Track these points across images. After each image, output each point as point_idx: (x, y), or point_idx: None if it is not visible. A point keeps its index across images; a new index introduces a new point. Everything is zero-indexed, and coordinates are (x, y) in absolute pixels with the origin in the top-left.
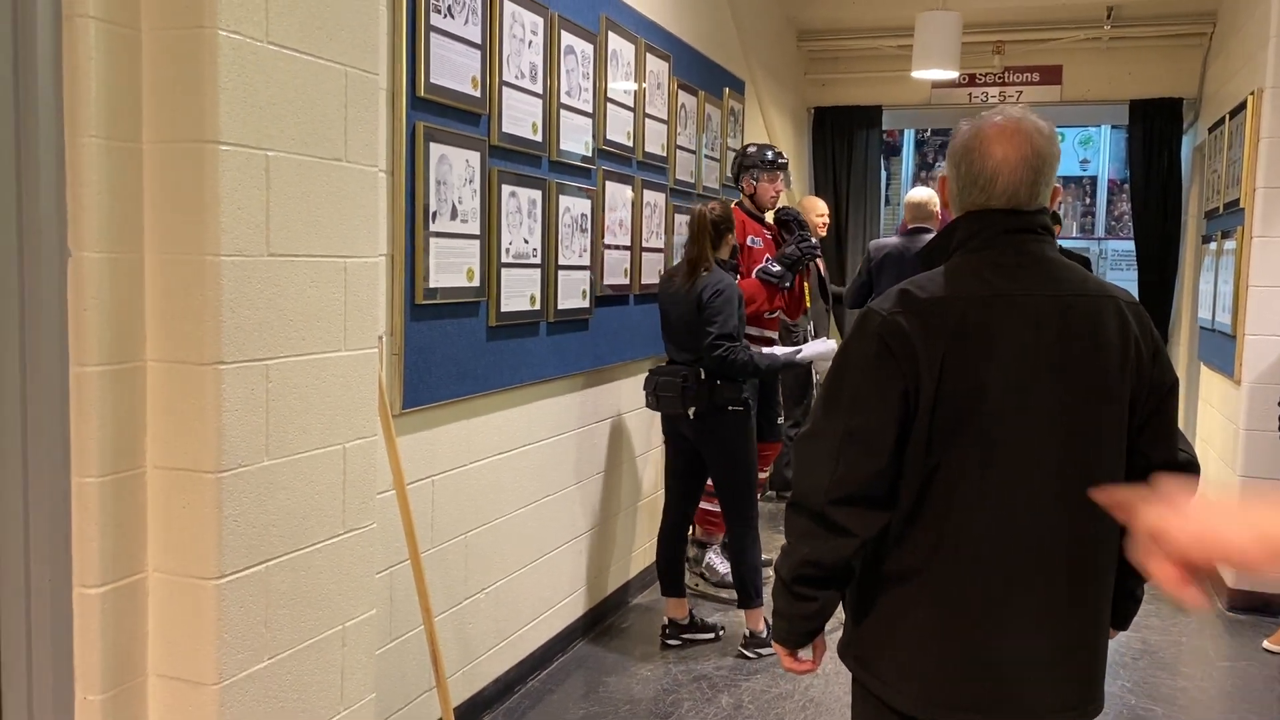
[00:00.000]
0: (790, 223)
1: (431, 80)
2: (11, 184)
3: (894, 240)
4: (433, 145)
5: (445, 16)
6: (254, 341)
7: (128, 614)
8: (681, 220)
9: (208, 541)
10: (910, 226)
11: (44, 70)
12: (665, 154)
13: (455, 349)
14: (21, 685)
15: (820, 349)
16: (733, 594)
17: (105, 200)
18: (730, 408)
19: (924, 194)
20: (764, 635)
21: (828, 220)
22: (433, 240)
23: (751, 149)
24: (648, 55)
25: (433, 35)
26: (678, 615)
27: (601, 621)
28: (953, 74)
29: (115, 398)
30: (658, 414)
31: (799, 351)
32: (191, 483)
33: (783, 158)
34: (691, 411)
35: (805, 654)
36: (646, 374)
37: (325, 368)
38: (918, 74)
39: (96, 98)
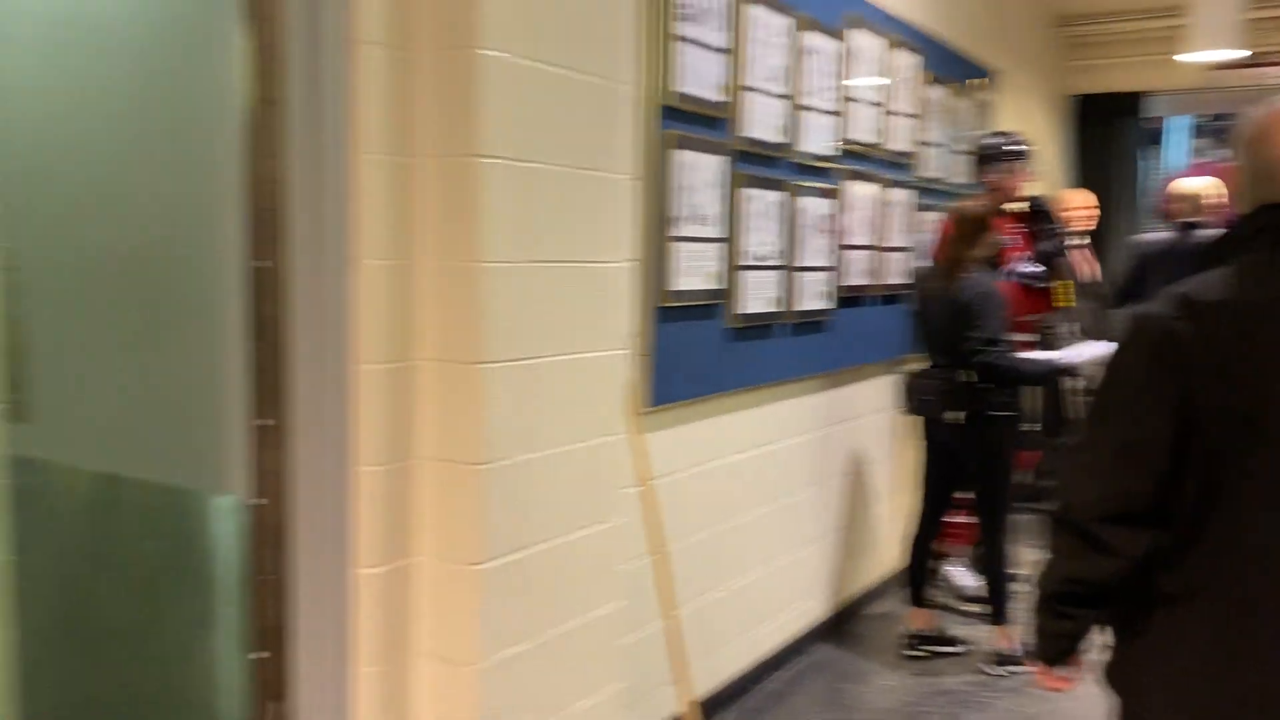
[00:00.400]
0: (1041, 213)
1: (678, 88)
2: (306, 196)
3: (1162, 236)
4: (678, 152)
5: (691, 25)
6: (515, 342)
7: (400, 595)
8: (929, 218)
9: (472, 529)
10: (1181, 221)
11: (332, 93)
12: (911, 150)
13: (697, 350)
14: (310, 658)
15: (1090, 352)
16: (972, 608)
17: (384, 212)
18: (995, 414)
19: (1197, 185)
20: (1013, 653)
21: (1094, 213)
22: (677, 244)
23: (992, 138)
24: (895, 50)
25: (679, 44)
26: (921, 626)
27: (840, 627)
28: (1234, 53)
29: (393, 394)
30: (904, 418)
31: (1069, 355)
32: (458, 474)
33: (1026, 145)
34: (953, 417)
35: (1063, 671)
36: (903, 377)
37: (579, 367)
38: (1189, 56)
39: (376, 117)
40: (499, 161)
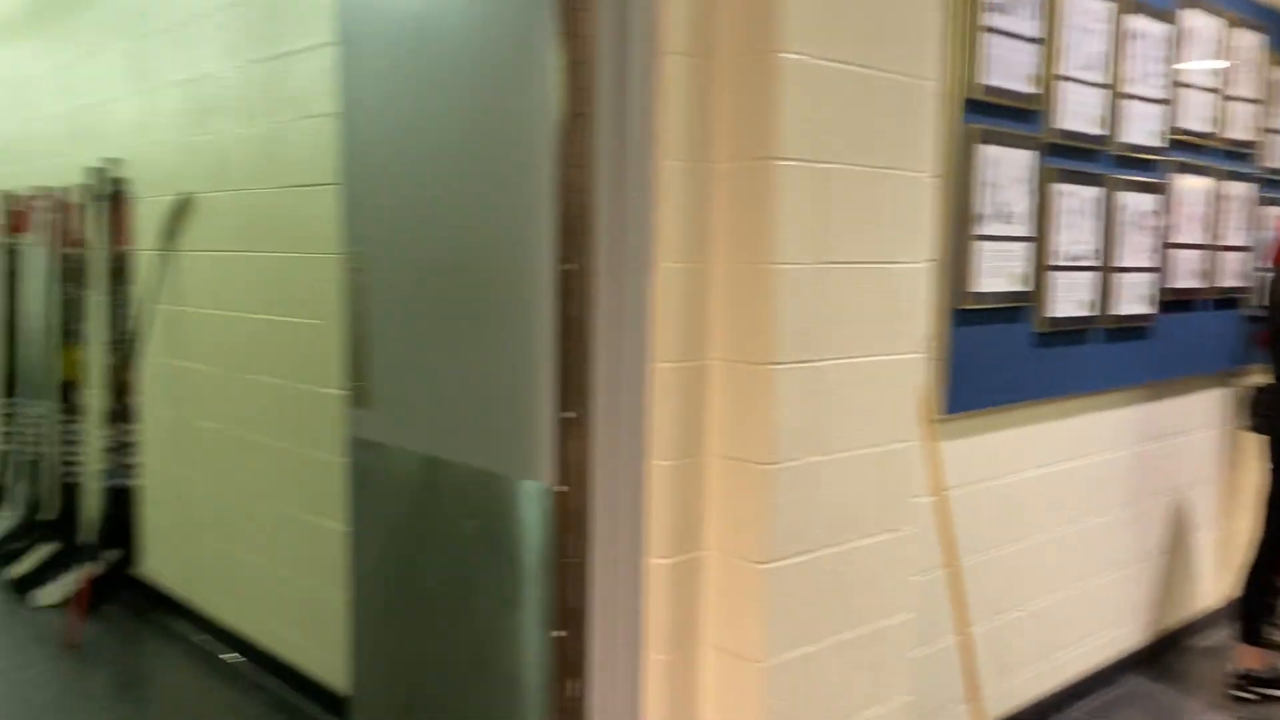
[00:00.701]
0: None
1: (984, 80)
2: (610, 202)
3: None
4: (984, 147)
5: (1000, 15)
6: (806, 343)
7: (689, 586)
8: (1276, 213)
9: (758, 528)
10: None
11: (639, 104)
12: (1253, 139)
13: (999, 356)
14: (605, 640)
15: None
16: None
17: (682, 216)
18: None
19: None
20: None
21: None
22: (980, 243)
23: None
24: (1234, 30)
25: (987, 36)
26: (1254, 665)
27: (1157, 659)
28: None
29: (685, 391)
30: (1242, 436)
31: None
32: (746, 472)
33: None
34: None
35: None
36: (1243, 390)
37: (870, 371)
38: None
39: (677, 124)
40: (794, 163)
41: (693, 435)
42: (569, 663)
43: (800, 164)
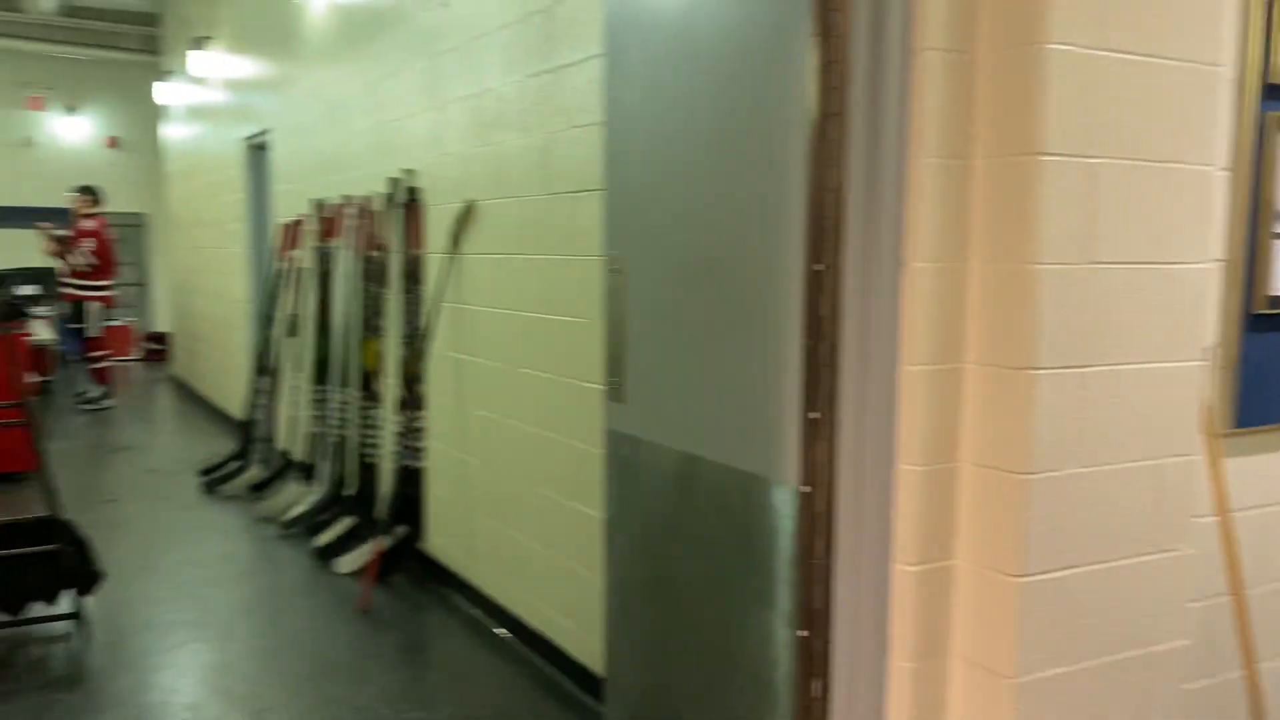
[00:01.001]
0: None
1: None
2: (861, 202)
3: None
4: None
5: None
6: (1070, 348)
7: (937, 595)
8: None
9: (1013, 540)
10: None
11: (894, 102)
12: None
13: None
14: (850, 643)
15: None
16: None
17: (937, 215)
18: None
19: None
20: None
21: None
22: (1278, 243)
23: None
24: None
25: None
26: None
27: None
28: None
29: (937, 396)
30: None
31: None
32: (1001, 481)
33: None
34: None
35: None
36: None
37: (1144, 379)
38: None
39: (933, 121)
40: (1059, 159)
41: (944, 441)
42: (813, 663)
43: (1066, 159)
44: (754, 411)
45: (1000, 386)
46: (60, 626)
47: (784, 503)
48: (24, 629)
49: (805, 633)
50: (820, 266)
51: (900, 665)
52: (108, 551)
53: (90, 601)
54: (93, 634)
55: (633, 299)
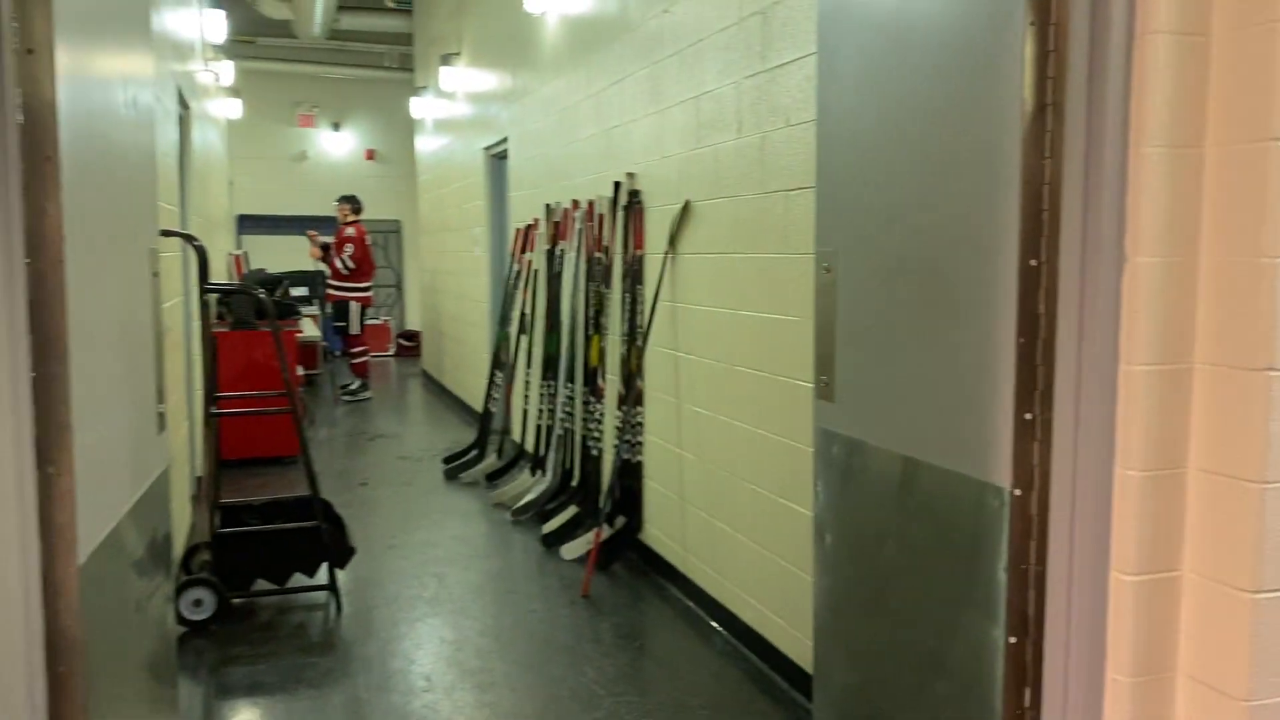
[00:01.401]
0: None
1: None
2: (1079, 194)
3: None
4: None
5: None
6: None
7: (1160, 607)
8: None
9: (1245, 552)
10: None
11: (1115, 89)
12: None
13: None
14: (1062, 652)
15: None
16: None
17: (1162, 207)
18: None
19: None
20: None
21: None
22: None
23: None
24: None
25: None
26: None
27: None
28: None
29: (1161, 397)
30: None
31: None
32: (1233, 490)
33: None
34: None
35: None
36: None
37: None
38: None
39: (1159, 108)
40: None
41: (1169, 445)
42: (1024, 671)
43: None
44: (964, 411)
45: (1233, 388)
46: (317, 597)
47: (997, 505)
48: (286, 598)
49: (1015, 640)
50: (1035, 262)
51: (1116, 679)
52: (359, 530)
53: (342, 575)
54: (344, 605)
55: (843, 297)
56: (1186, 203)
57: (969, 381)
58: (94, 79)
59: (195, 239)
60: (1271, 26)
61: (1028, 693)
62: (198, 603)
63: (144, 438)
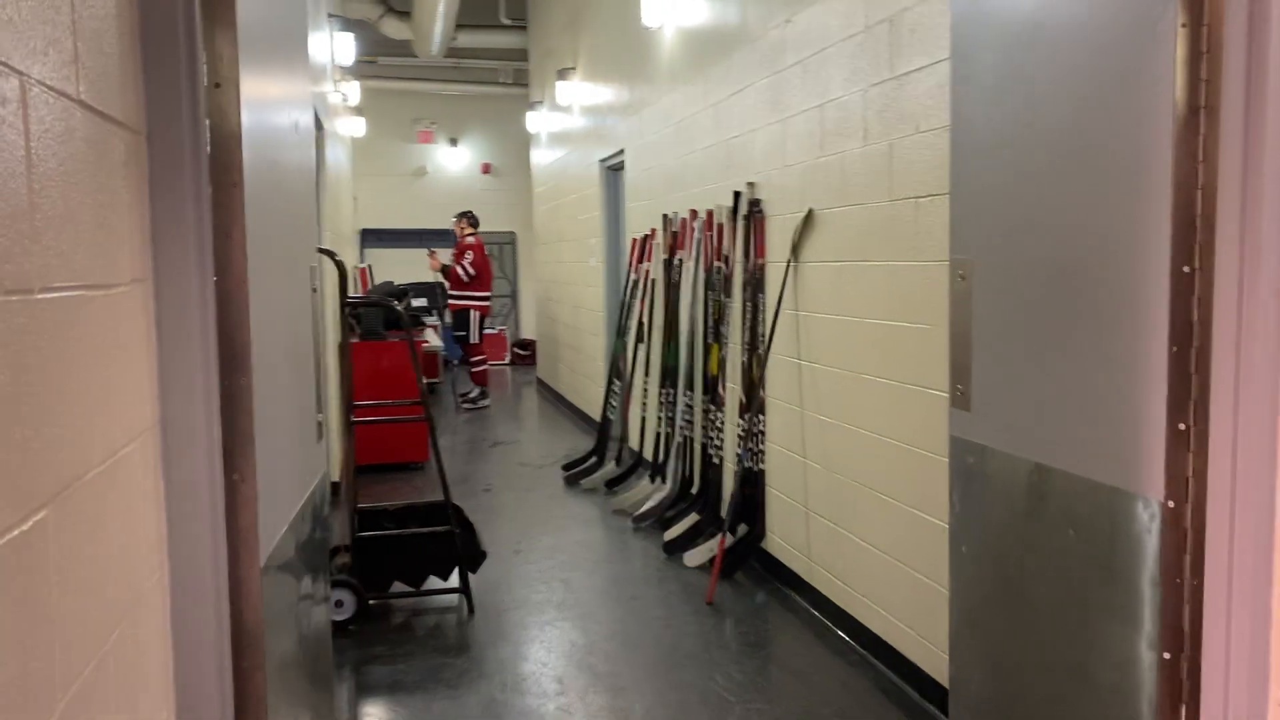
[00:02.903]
0: None
1: None
2: (1236, 199)
3: None
4: None
5: None
6: None
7: None
8: None
9: None
10: None
11: (1273, 90)
12: None
13: None
14: (1221, 670)
15: None
16: None
17: None
18: None
19: None
20: None
21: None
22: None
23: None
24: None
25: None
26: None
27: None
28: None
29: None
30: None
31: None
32: None
33: None
34: None
35: None
36: None
37: None
38: None
39: None
40: None
41: None
42: (1179, 688)
43: None
44: (1112, 421)
45: None
46: (449, 599)
47: (1146, 517)
48: (420, 600)
49: (1169, 655)
50: (1189, 268)
51: None
52: (485, 534)
53: (473, 578)
54: (475, 607)
55: (979, 304)
56: None
57: (1116, 390)
58: (268, 106)
59: (335, 254)
60: None
61: (1184, 710)
62: (339, 604)
63: (307, 445)
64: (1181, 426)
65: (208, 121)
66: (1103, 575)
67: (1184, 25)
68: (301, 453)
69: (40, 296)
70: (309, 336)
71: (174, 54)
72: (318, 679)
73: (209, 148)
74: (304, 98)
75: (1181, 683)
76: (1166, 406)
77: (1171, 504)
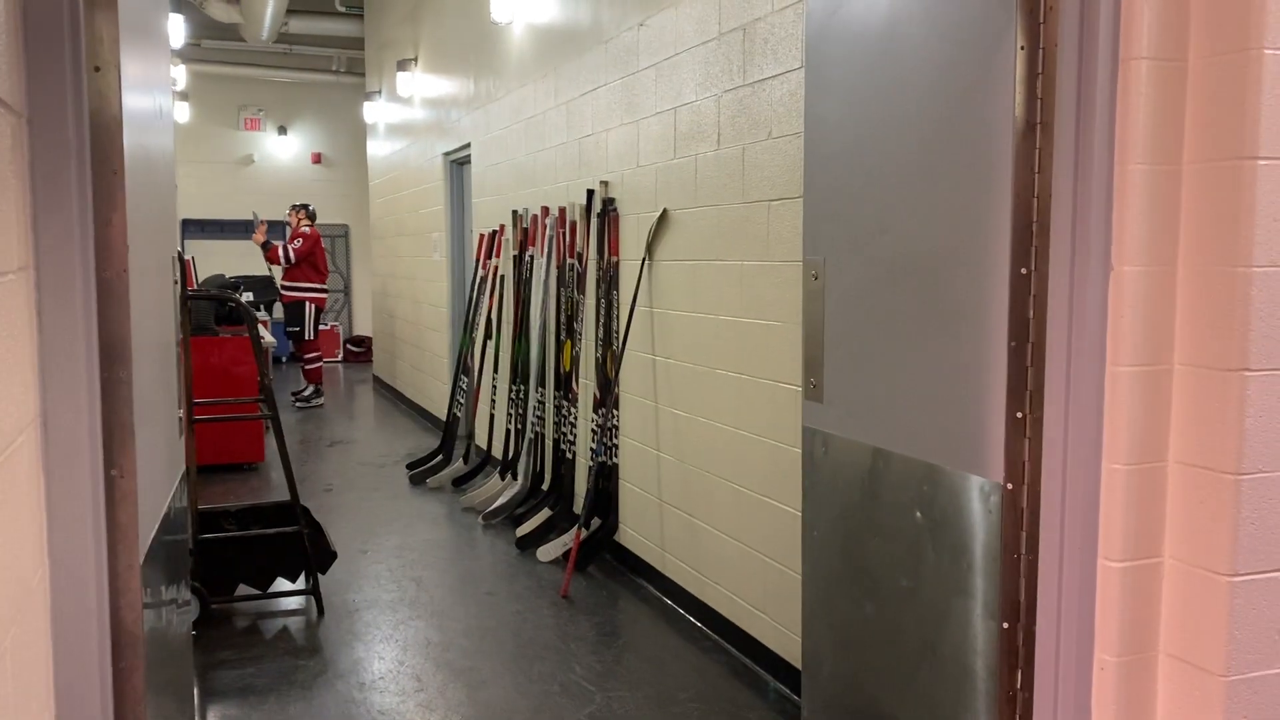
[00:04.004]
0: None
1: None
2: (1068, 207)
3: None
4: None
5: None
6: None
7: (1143, 591)
8: None
9: (1222, 539)
10: None
11: (1100, 108)
12: None
13: None
14: (1053, 636)
15: None
16: None
17: (1146, 219)
18: None
19: None
20: None
21: None
22: None
23: None
24: None
25: None
26: None
27: None
28: None
29: (1144, 396)
30: None
31: None
32: (1209, 481)
33: None
34: None
35: None
36: None
37: None
38: None
39: (1142, 128)
40: (1271, 163)
41: (1152, 440)
42: (1015, 655)
43: (1278, 163)
44: (956, 410)
45: (1210, 387)
46: (298, 601)
47: (986, 498)
48: (267, 603)
49: (1007, 625)
50: (1026, 270)
51: (1105, 659)
52: (330, 535)
53: (323, 579)
54: (325, 609)
55: (831, 302)
56: (1167, 216)
57: (961, 382)
58: (140, 89)
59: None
60: (1240, 55)
61: (1019, 675)
62: None
63: (171, 442)
64: (1019, 415)
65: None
66: (950, 553)
67: (1022, 47)
68: (168, 449)
69: None
70: (172, 330)
71: (57, 35)
72: (181, 682)
73: (88, 133)
74: (166, 81)
75: (1018, 650)
76: (1006, 396)
77: (1010, 485)
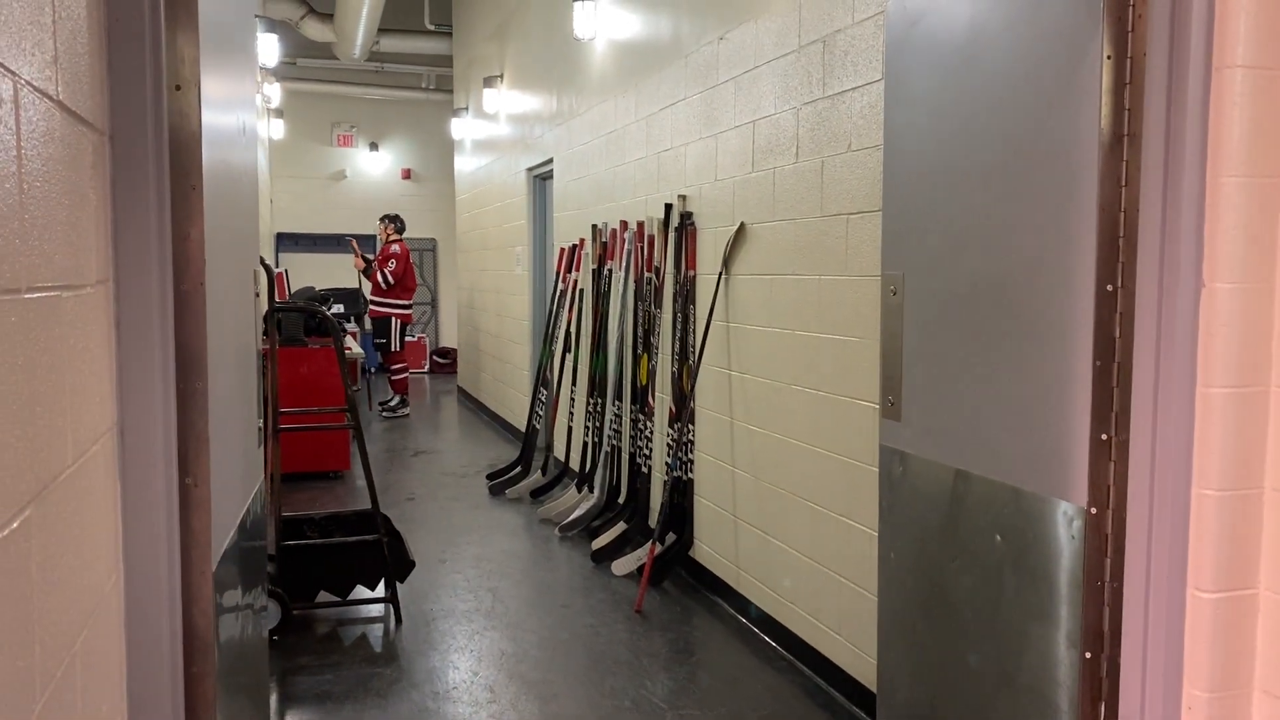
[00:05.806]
0: None
1: None
2: (1156, 222)
3: None
4: None
5: None
6: None
7: (1236, 624)
8: None
9: None
10: None
11: (1191, 119)
12: None
13: None
14: (1136, 671)
15: None
16: None
17: (1240, 235)
18: None
19: None
20: None
21: None
22: None
23: None
24: None
25: None
26: None
27: None
28: None
29: (1238, 419)
30: None
31: None
32: None
33: None
34: None
35: None
36: None
37: None
38: None
39: (1237, 139)
40: None
41: (1246, 465)
42: (1098, 686)
43: None
44: (1038, 431)
45: None
46: (376, 609)
47: (1069, 523)
48: (346, 610)
49: (1090, 654)
50: (1112, 287)
51: (1194, 694)
52: (410, 544)
53: (401, 588)
54: (403, 617)
55: (910, 318)
56: (1263, 231)
57: (1043, 402)
58: (221, 107)
59: (264, 260)
60: None
61: (1103, 707)
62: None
63: (249, 451)
64: (1104, 437)
65: (168, 123)
66: (1029, 579)
67: (1109, 56)
68: (245, 458)
69: (28, 296)
70: (252, 341)
71: (139, 54)
72: (257, 687)
73: (168, 149)
74: (250, 99)
75: (1101, 681)
76: (1090, 418)
77: (1094, 510)
